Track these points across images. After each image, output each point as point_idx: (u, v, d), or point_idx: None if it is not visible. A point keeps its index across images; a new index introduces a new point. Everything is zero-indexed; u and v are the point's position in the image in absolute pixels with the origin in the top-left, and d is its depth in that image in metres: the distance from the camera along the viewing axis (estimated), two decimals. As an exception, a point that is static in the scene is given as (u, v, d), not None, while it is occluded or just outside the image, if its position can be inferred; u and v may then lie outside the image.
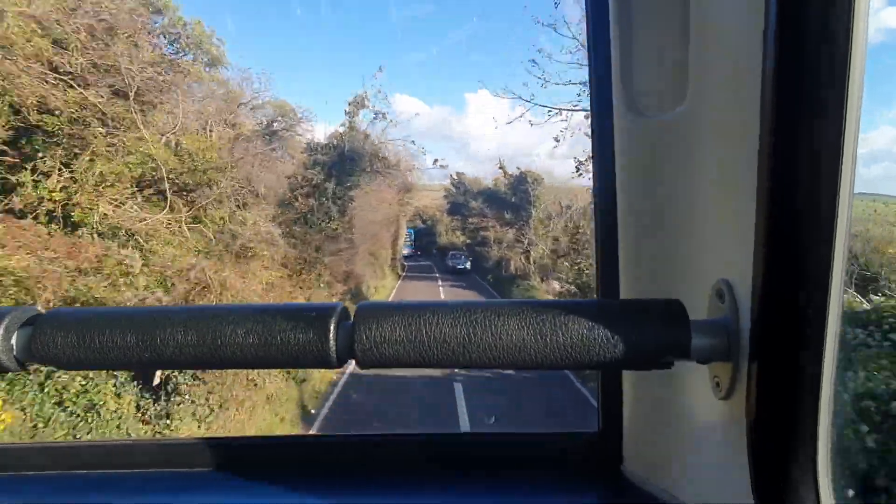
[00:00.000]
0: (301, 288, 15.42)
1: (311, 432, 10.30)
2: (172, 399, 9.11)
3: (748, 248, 0.54)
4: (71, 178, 9.83)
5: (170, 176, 11.47)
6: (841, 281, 0.50)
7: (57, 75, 9.51)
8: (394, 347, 0.59)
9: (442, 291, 29.35)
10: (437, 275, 38.77)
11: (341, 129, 19.44)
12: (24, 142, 9.49)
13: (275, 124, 17.56)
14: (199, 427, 9.29)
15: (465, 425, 10.70)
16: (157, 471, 0.93)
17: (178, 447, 0.96)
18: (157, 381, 9.05)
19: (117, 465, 0.94)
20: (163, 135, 11.79)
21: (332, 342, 0.59)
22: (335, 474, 0.92)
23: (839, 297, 0.50)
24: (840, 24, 0.46)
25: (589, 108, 0.86)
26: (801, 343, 0.52)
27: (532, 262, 28.87)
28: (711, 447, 0.66)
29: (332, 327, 0.59)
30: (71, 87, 9.75)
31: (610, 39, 0.78)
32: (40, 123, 9.42)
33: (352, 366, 0.65)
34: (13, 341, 0.61)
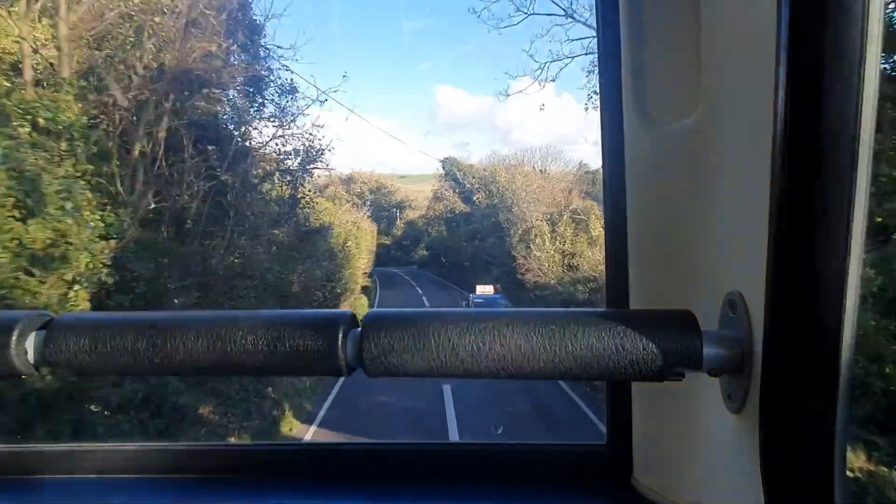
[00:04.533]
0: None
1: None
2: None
3: (761, 258, 0.53)
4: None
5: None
6: (856, 293, 0.49)
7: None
8: (401, 357, 0.58)
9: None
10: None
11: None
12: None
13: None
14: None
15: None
16: (160, 476, 0.93)
17: (182, 453, 0.96)
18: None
19: (122, 470, 0.94)
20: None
21: (339, 351, 0.59)
22: (336, 483, 0.91)
23: (854, 309, 0.49)
24: (854, 31, 0.45)
25: (599, 115, 0.86)
26: (814, 356, 0.51)
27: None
28: (723, 461, 0.65)
29: (340, 336, 0.59)
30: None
31: (621, 46, 0.77)
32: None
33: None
34: (27, 345, 0.61)
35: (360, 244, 25.46)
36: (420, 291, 30.85)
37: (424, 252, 41.12)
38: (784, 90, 0.48)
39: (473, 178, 34.36)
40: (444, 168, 38.49)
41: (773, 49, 0.49)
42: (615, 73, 0.79)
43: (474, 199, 32.71)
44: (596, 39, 0.83)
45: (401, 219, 52.76)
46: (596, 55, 0.85)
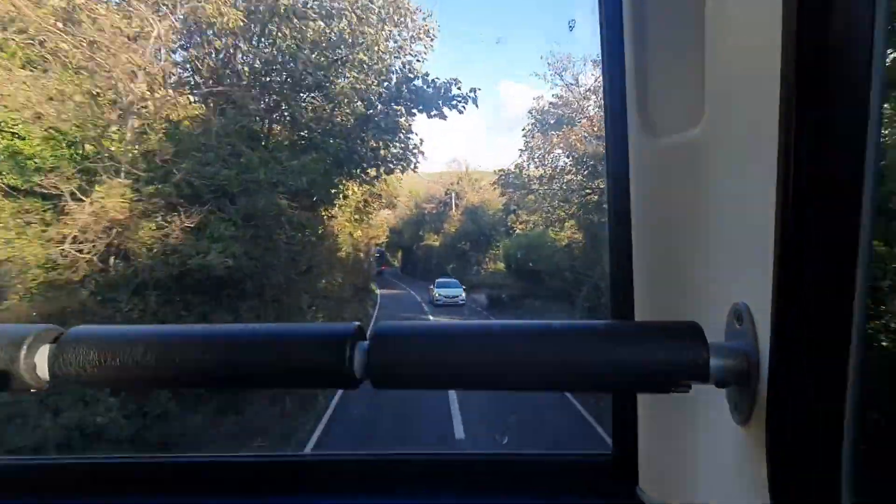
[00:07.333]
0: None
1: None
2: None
3: (766, 269, 0.53)
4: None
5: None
6: (863, 304, 0.49)
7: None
8: (408, 369, 0.58)
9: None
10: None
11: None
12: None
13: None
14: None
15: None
16: (145, 493, 0.92)
17: (169, 468, 0.96)
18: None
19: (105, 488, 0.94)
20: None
21: (347, 363, 0.59)
22: (340, 494, 0.91)
23: (861, 320, 0.49)
24: (860, 45, 0.46)
25: (603, 127, 0.87)
26: (821, 367, 0.51)
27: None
28: (729, 473, 0.65)
29: (347, 348, 0.59)
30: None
31: (624, 58, 0.78)
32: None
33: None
34: (37, 359, 0.61)
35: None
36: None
37: (500, 266, 21.41)
38: (789, 100, 0.49)
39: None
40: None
41: (778, 59, 0.50)
42: (619, 85, 0.80)
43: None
44: (599, 52, 0.84)
45: (457, 206, 34.49)
46: (600, 68, 0.86)
